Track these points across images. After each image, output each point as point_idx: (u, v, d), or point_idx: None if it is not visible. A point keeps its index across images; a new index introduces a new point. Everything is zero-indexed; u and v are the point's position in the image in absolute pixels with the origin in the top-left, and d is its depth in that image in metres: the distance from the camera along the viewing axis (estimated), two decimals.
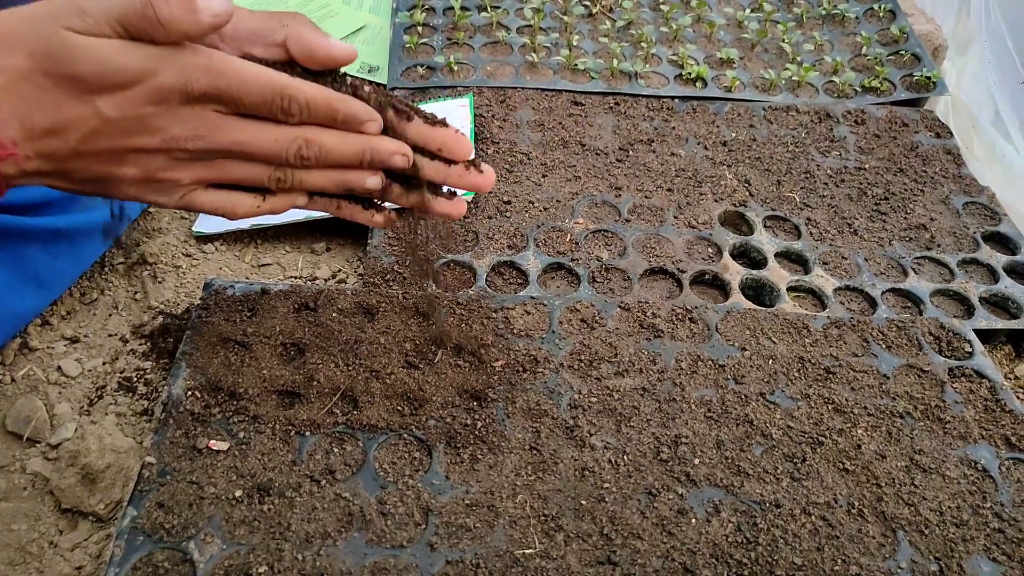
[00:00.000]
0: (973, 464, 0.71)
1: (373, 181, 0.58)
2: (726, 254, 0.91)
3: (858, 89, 1.20)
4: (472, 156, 0.61)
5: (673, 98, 1.15)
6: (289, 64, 0.55)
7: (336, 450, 0.67)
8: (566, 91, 1.14)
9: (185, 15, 0.47)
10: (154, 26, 0.47)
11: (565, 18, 1.29)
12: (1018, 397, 0.83)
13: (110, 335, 0.80)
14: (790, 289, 0.88)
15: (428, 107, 1.07)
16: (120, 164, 0.51)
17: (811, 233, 0.96)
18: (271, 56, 0.54)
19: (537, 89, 1.14)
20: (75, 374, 0.75)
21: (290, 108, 0.52)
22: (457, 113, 1.05)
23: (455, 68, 1.16)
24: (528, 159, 1.02)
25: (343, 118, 0.54)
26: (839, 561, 0.63)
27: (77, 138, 0.49)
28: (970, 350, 0.82)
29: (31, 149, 0.48)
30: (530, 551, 0.61)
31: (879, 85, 1.20)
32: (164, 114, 0.50)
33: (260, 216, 0.58)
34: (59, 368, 0.76)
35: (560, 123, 1.08)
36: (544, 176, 1.00)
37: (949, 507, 0.67)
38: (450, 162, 0.60)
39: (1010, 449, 0.73)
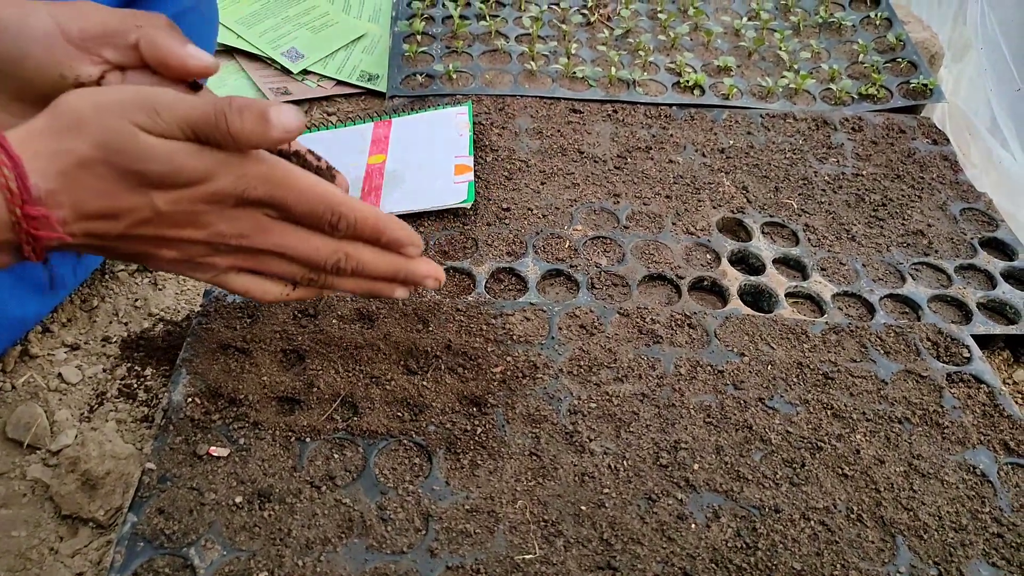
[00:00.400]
0: (972, 469, 0.71)
1: (401, 293, 0.59)
2: (724, 260, 0.91)
3: (855, 96, 1.20)
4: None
5: (671, 105, 1.15)
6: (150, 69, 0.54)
7: (336, 456, 0.67)
8: (564, 99, 1.15)
9: (256, 129, 0.47)
10: (224, 137, 0.47)
11: (563, 27, 1.30)
12: (1016, 402, 0.84)
13: (111, 342, 0.80)
14: (788, 295, 0.89)
15: (427, 115, 1.08)
16: (162, 247, 0.52)
17: (809, 239, 0.96)
18: (123, 60, 0.54)
19: (536, 97, 1.15)
20: (75, 381, 0.76)
21: (338, 224, 0.52)
22: (456, 121, 1.06)
23: (454, 76, 1.17)
24: (527, 166, 1.02)
25: (386, 241, 0.55)
26: (839, 566, 0.63)
27: (127, 224, 0.49)
28: (968, 355, 0.82)
29: (79, 229, 0.48)
30: (530, 556, 0.62)
31: (876, 92, 1.20)
32: (215, 212, 0.50)
33: (281, 300, 0.59)
34: (59, 375, 0.76)
35: (558, 131, 1.09)
36: (543, 183, 1.00)
37: (948, 512, 0.67)
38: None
39: (1008, 454, 0.73)
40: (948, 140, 1.13)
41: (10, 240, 0.46)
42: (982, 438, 0.74)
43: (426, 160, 1.00)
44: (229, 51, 1.24)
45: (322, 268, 0.55)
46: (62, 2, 0.55)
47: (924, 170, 1.08)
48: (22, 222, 0.45)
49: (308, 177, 0.52)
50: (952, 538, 0.66)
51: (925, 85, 1.19)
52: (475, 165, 1.01)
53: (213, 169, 0.48)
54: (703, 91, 1.18)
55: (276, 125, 0.47)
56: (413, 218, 0.93)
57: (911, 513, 0.67)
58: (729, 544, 0.64)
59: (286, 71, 1.20)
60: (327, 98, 1.18)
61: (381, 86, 1.19)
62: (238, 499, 0.63)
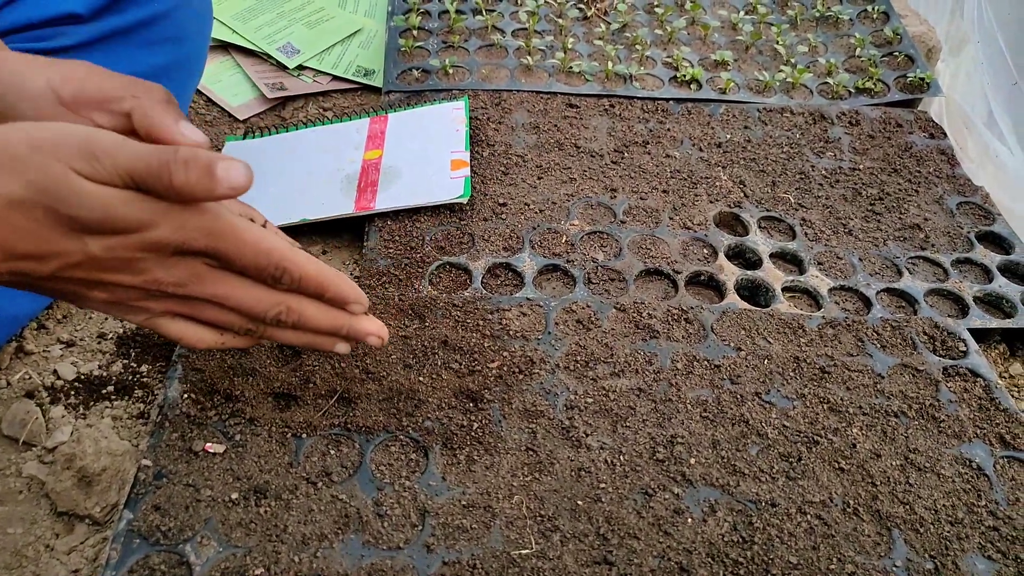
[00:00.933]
0: (968, 463, 0.71)
1: (342, 348, 0.58)
2: (721, 255, 0.91)
3: (852, 90, 1.20)
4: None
5: (668, 100, 1.15)
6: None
7: (332, 452, 0.67)
8: (561, 94, 1.15)
9: (200, 183, 0.45)
10: (167, 189, 0.45)
11: (560, 21, 1.29)
12: (1012, 396, 0.84)
13: (106, 338, 0.80)
14: (785, 289, 0.89)
15: (423, 110, 1.08)
16: (93, 289, 0.50)
17: (806, 233, 0.96)
18: (113, 125, 0.53)
19: (532, 92, 1.14)
20: (71, 377, 0.75)
21: (281, 278, 0.51)
22: (452, 116, 1.05)
23: (450, 71, 1.17)
24: (523, 161, 1.02)
25: (331, 296, 0.54)
26: (835, 560, 0.63)
27: (56, 267, 0.47)
28: (964, 349, 0.82)
29: (3, 268, 0.46)
30: (527, 551, 0.62)
31: (873, 86, 1.20)
32: (152, 260, 0.48)
33: (215, 347, 0.57)
34: (55, 371, 0.76)
35: (555, 125, 1.09)
36: (539, 178, 1.00)
37: (944, 505, 0.68)
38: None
39: (1004, 447, 0.73)
40: (945, 134, 1.13)
41: None
42: (978, 432, 0.74)
43: (422, 155, 0.99)
44: (224, 47, 1.24)
45: (261, 320, 0.53)
46: (68, 62, 0.53)
47: (921, 164, 1.08)
48: None
49: (252, 229, 0.49)
50: (948, 531, 0.66)
51: (922, 79, 1.19)
52: (471, 160, 1.00)
53: (152, 219, 0.46)
54: (700, 85, 1.18)
55: (223, 181, 0.45)
56: (409, 213, 0.92)
57: (907, 507, 0.67)
58: (725, 538, 0.64)
59: (282, 66, 1.20)
60: (323, 93, 1.18)
61: (377, 81, 1.19)
62: (234, 495, 0.63)
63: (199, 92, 1.15)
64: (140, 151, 0.45)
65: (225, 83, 1.17)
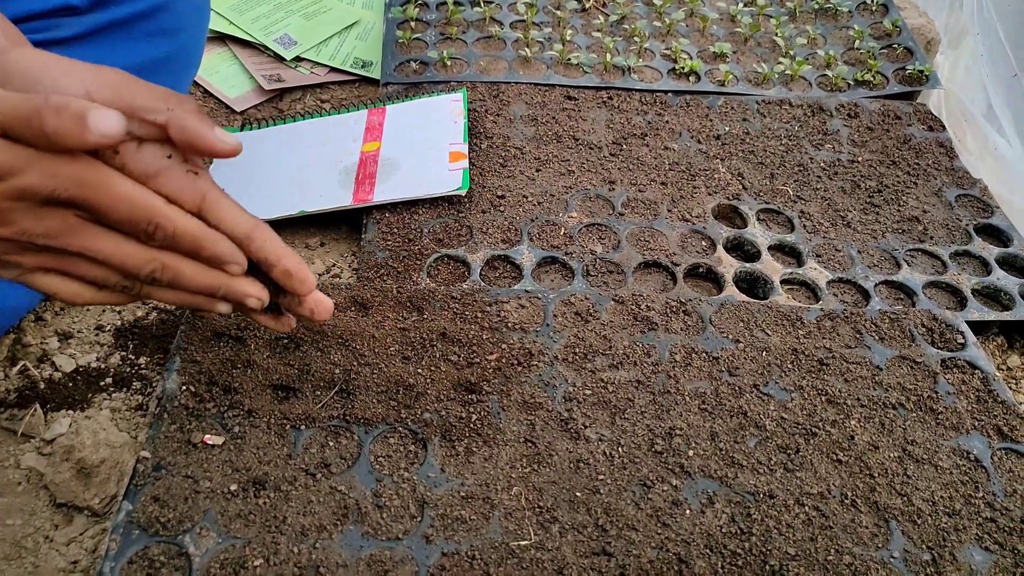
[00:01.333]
0: (965, 454, 0.71)
1: (223, 308, 0.56)
2: (720, 247, 0.91)
3: (851, 83, 1.20)
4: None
5: (666, 92, 1.15)
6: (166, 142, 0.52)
7: (331, 444, 0.67)
8: (559, 86, 1.14)
9: (73, 131, 0.44)
10: (37, 136, 0.44)
11: (558, 13, 1.29)
12: (1010, 388, 0.84)
13: (104, 330, 0.80)
14: (783, 282, 0.89)
15: (421, 102, 1.07)
16: None
17: (804, 226, 0.96)
18: (143, 134, 0.52)
19: (530, 84, 1.14)
20: (69, 369, 0.75)
21: (154, 234, 0.50)
22: (450, 108, 1.05)
23: (448, 63, 1.16)
24: (522, 153, 1.02)
25: (207, 256, 0.53)
26: (832, 551, 0.63)
27: None
28: (963, 341, 0.82)
29: None
30: (525, 543, 0.62)
31: (872, 79, 1.20)
32: (20, 210, 0.47)
33: (90, 304, 0.55)
34: (53, 363, 0.76)
35: (553, 117, 1.08)
36: (538, 170, 1.00)
37: (942, 497, 0.68)
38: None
39: (1002, 439, 0.73)
40: (944, 127, 1.13)
41: None
42: (976, 424, 0.74)
43: (420, 147, 0.99)
44: (221, 38, 1.23)
45: (136, 276, 0.52)
46: (103, 69, 0.53)
47: (920, 156, 1.08)
48: None
49: (126, 183, 0.49)
50: (945, 523, 0.66)
51: (921, 71, 1.19)
52: (470, 152, 1.00)
53: (20, 165, 0.45)
54: (699, 77, 1.18)
55: (94, 130, 0.44)
56: (407, 206, 0.92)
57: (905, 498, 0.67)
58: (723, 530, 0.64)
59: (279, 58, 1.20)
60: (320, 85, 1.17)
61: (375, 73, 1.18)
62: (233, 487, 0.63)
63: (196, 83, 1.14)
64: (10, 98, 0.44)
65: (222, 74, 1.17)
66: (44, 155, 0.46)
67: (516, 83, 1.14)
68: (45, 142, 0.45)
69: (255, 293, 0.56)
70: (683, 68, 1.18)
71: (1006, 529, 0.66)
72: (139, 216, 0.49)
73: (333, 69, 1.19)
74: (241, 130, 1.06)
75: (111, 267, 0.51)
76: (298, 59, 1.20)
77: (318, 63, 1.20)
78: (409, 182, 0.94)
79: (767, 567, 0.61)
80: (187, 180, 0.51)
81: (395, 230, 0.90)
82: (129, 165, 0.49)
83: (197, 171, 0.54)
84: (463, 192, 0.92)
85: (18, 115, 0.44)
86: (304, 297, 0.57)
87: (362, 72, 1.19)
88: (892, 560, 0.63)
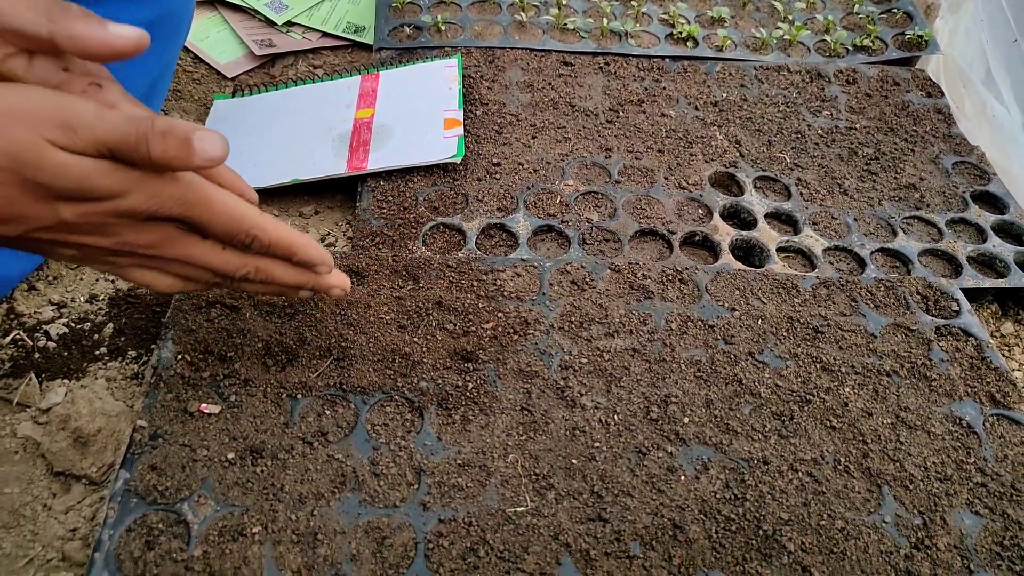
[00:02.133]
0: (958, 421, 0.72)
1: (305, 294, 0.61)
2: (716, 215, 0.91)
3: (850, 48, 1.19)
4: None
5: (664, 58, 1.14)
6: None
7: (328, 412, 0.67)
8: (555, 51, 1.13)
9: (178, 155, 0.46)
10: (144, 160, 0.46)
11: None
12: (1003, 355, 0.84)
13: (98, 299, 0.79)
14: (780, 250, 0.88)
15: (415, 68, 1.06)
16: (63, 248, 0.50)
17: (801, 194, 0.96)
18: (32, 46, 0.51)
19: (526, 49, 1.12)
20: (63, 339, 0.75)
21: (252, 244, 0.53)
22: (445, 74, 1.04)
23: (442, 28, 1.14)
24: (517, 120, 1.01)
25: (298, 260, 0.56)
26: (825, 516, 0.64)
27: (26, 229, 0.47)
28: (957, 309, 0.82)
29: None
30: (522, 509, 0.62)
31: (871, 44, 1.19)
32: (124, 225, 0.49)
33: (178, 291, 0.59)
34: (47, 333, 0.75)
35: (549, 84, 1.07)
36: (533, 138, 0.99)
37: (934, 463, 0.68)
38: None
39: (994, 405, 0.74)
40: (942, 93, 1.12)
41: None
42: (969, 390, 0.75)
43: (415, 114, 0.98)
44: (211, 2, 1.21)
45: (229, 278, 0.55)
46: None
47: (917, 123, 1.07)
48: None
49: (225, 197, 0.51)
50: (937, 488, 0.67)
51: (920, 36, 1.18)
52: (465, 119, 0.99)
53: (125, 187, 0.47)
54: (696, 43, 1.16)
55: (199, 153, 0.46)
56: (402, 173, 0.91)
57: (897, 464, 0.68)
58: (718, 495, 0.64)
59: (270, 22, 1.18)
60: (313, 51, 1.15)
61: (368, 38, 1.17)
62: (230, 455, 0.63)
63: (186, 49, 1.12)
64: (117, 123, 0.45)
65: (213, 40, 1.15)
66: (148, 176, 0.47)
67: (511, 48, 1.12)
68: (151, 167, 0.46)
69: (339, 283, 0.61)
70: (681, 33, 1.17)
71: (996, 494, 0.67)
72: (237, 229, 0.52)
73: (325, 34, 1.17)
74: (232, 97, 1.05)
75: (205, 269, 0.54)
76: (290, 24, 1.18)
77: (310, 28, 1.18)
78: (404, 149, 0.93)
79: (760, 532, 0.62)
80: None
81: (390, 198, 0.89)
82: (27, 80, 0.49)
83: (100, 83, 0.54)
84: (458, 160, 0.91)
85: (126, 140, 0.45)
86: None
87: (355, 37, 1.17)
88: (884, 524, 0.64)
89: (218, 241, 0.53)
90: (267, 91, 1.05)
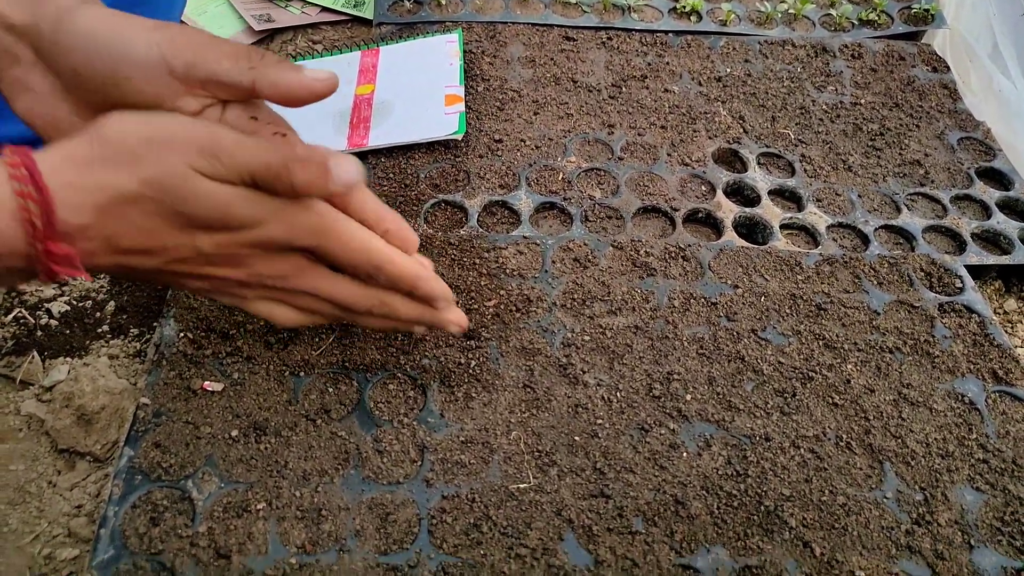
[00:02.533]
0: (960, 397, 0.72)
1: (420, 331, 0.62)
2: (719, 192, 0.90)
3: (855, 22, 1.17)
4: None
5: (667, 32, 1.12)
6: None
7: (331, 390, 0.68)
8: (558, 26, 1.11)
9: (316, 182, 0.46)
10: (286, 188, 0.46)
11: None
12: (1006, 331, 0.84)
13: (100, 277, 0.79)
14: (783, 227, 0.88)
15: (416, 43, 1.05)
16: (194, 280, 0.51)
17: (805, 170, 0.95)
18: (227, 96, 0.53)
19: (528, 24, 1.11)
20: (66, 317, 0.75)
21: (377, 276, 0.53)
22: (446, 49, 1.03)
23: (443, 2, 1.13)
24: (519, 96, 1.00)
25: (421, 295, 0.56)
26: (827, 492, 0.64)
27: (163, 261, 0.48)
28: (960, 286, 0.82)
29: (108, 261, 0.46)
30: (524, 485, 0.62)
31: (876, 18, 1.17)
32: (257, 255, 0.50)
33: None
34: (49, 311, 0.75)
35: (552, 59, 1.06)
36: (535, 114, 0.98)
37: (935, 439, 0.69)
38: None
39: (997, 382, 0.74)
40: (948, 67, 1.11)
41: (25, 269, 0.44)
42: (971, 367, 0.75)
43: (415, 90, 0.97)
44: None
45: (352, 311, 0.56)
46: (171, 26, 0.52)
47: (923, 98, 1.06)
48: (42, 257, 0.43)
49: (354, 228, 0.51)
50: (938, 464, 0.67)
51: (926, 10, 1.16)
52: (466, 95, 0.98)
53: (265, 217, 0.47)
54: (700, 17, 1.15)
55: (336, 180, 0.47)
56: (403, 150, 0.91)
57: (899, 440, 0.68)
58: (720, 472, 0.65)
59: None
60: (312, 26, 1.14)
61: (368, 13, 1.15)
62: (234, 432, 0.64)
63: (182, 24, 1.11)
64: (259, 150, 0.46)
65: (210, 15, 1.14)
66: (286, 205, 0.48)
67: (513, 23, 1.11)
68: (291, 194, 0.47)
69: (457, 320, 0.60)
70: (684, 7, 1.15)
71: (997, 470, 0.67)
72: (365, 260, 0.52)
73: (325, 9, 1.16)
74: None
75: (331, 303, 0.55)
76: None
77: (309, 2, 1.16)
78: (405, 126, 0.92)
79: (762, 507, 0.62)
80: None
81: (391, 175, 0.88)
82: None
83: (284, 132, 0.56)
84: (459, 136, 0.91)
85: (269, 168, 0.45)
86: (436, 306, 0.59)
87: (354, 12, 1.16)
88: (885, 500, 0.64)
89: (346, 273, 0.54)
90: None
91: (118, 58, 0.50)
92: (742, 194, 0.93)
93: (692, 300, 0.77)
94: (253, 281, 0.52)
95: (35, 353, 0.71)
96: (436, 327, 0.60)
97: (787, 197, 0.93)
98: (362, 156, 0.90)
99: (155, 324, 0.75)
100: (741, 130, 0.99)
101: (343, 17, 1.16)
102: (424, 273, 0.56)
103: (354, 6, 1.17)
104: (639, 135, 0.96)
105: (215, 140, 0.45)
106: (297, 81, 0.51)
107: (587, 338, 0.73)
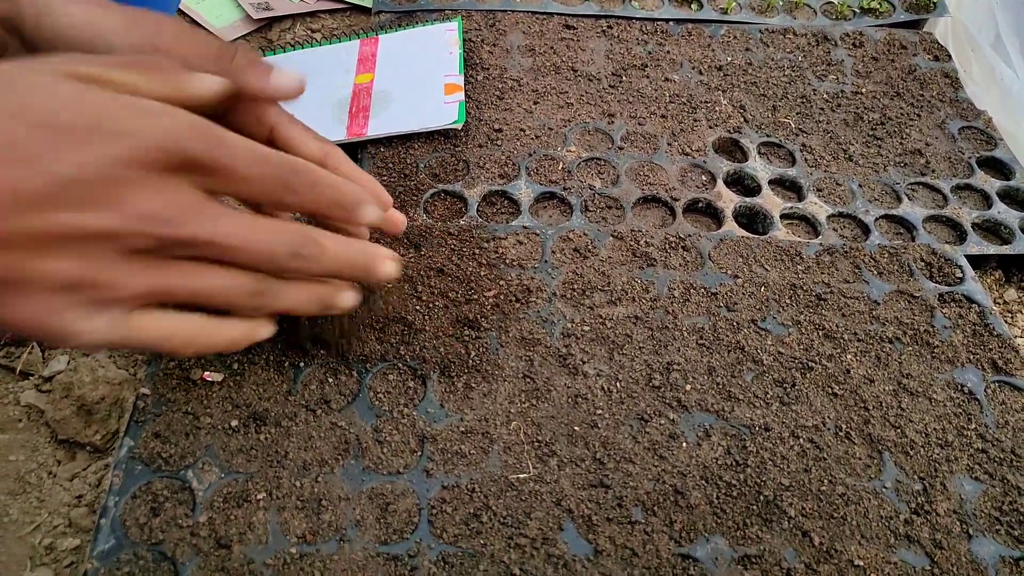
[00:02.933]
0: (960, 387, 0.72)
1: (349, 296, 0.54)
2: (720, 181, 0.90)
3: (857, 11, 1.17)
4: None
5: (668, 21, 1.12)
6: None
7: (330, 380, 0.68)
8: (557, 14, 1.11)
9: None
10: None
11: None
12: (1006, 321, 0.84)
13: None
14: (783, 216, 0.88)
15: (415, 31, 1.04)
16: (45, 254, 0.36)
17: (806, 160, 0.95)
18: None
19: (528, 12, 1.11)
20: None
21: (291, 196, 0.44)
22: (445, 38, 1.02)
23: None
24: (519, 85, 0.99)
25: (350, 200, 0.49)
26: (826, 482, 0.64)
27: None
28: (961, 275, 0.82)
29: None
30: (524, 476, 0.63)
31: (878, 6, 1.17)
32: (134, 181, 0.38)
33: (207, 351, 0.48)
34: None
35: (552, 48, 1.05)
36: (535, 103, 0.97)
37: (935, 429, 0.69)
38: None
39: (996, 372, 0.74)
40: (950, 56, 1.10)
41: None
42: (971, 357, 0.75)
43: (415, 79, 0.96)
44: None
45: (274, 264, 0.45)
46: (159, 17, 0.51)
47: (924, 87, 1.05)
48: None
49: (252, 141, 0.43)
50: (937, 454, 0.67)
51: None
52: (465, 84, 0.98)
53: (143, 125, 0.39)
54: (700, 5, 1.14)
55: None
56: (402, 140, 0.90)
57: (898, 430, 0.68)
58: (719, 462, 0.65)
59: None
60: (310, 14, 1.14)
61: (367, 1, 1.14)
62: (234, 423, 0.64)
63: (181, 13, 1.10)
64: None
65: (208, 3, 1.13)
66: (162, 107, 0.40)
67: (513, 11, 1.10)
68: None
69: (391, 256, 0.54)
70: None
71: (996, 460, 0.67)
72: (273, 167, 0.44)
73: None
74: None
75: (242, 260, 0.43)
76: None
77: None
78: (404, 115, 0.92)
79: (761, 497, 0.63)
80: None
81: (390, 165, 0.88)
82: None
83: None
84: (459, 126, 0.90)
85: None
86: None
87: (353, 0, 1.15)
88: (884, 490, 0.64)
89: (250, 206, 0.48)
90: (265, 56, 1.04)
91: (102, 50, 0.49)
92: (742, 184, 0.92)
93: (692, 290, 0.77)
94: (133, 231, 0.38)
95: (34, 343, 0.71)
96: (372, 269, 0.52)
97: (787, 187, 0.92)
98: (361, 145, 0.90)
99: None
100: (742, 119, 0.99)
101: (342, 5, 1.15)
102: (336, 177, 0.48)
103: None
104: (639, 124, 0.96)
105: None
106: (263, 84, 0.52)
107: (587, 328, 0.73)
